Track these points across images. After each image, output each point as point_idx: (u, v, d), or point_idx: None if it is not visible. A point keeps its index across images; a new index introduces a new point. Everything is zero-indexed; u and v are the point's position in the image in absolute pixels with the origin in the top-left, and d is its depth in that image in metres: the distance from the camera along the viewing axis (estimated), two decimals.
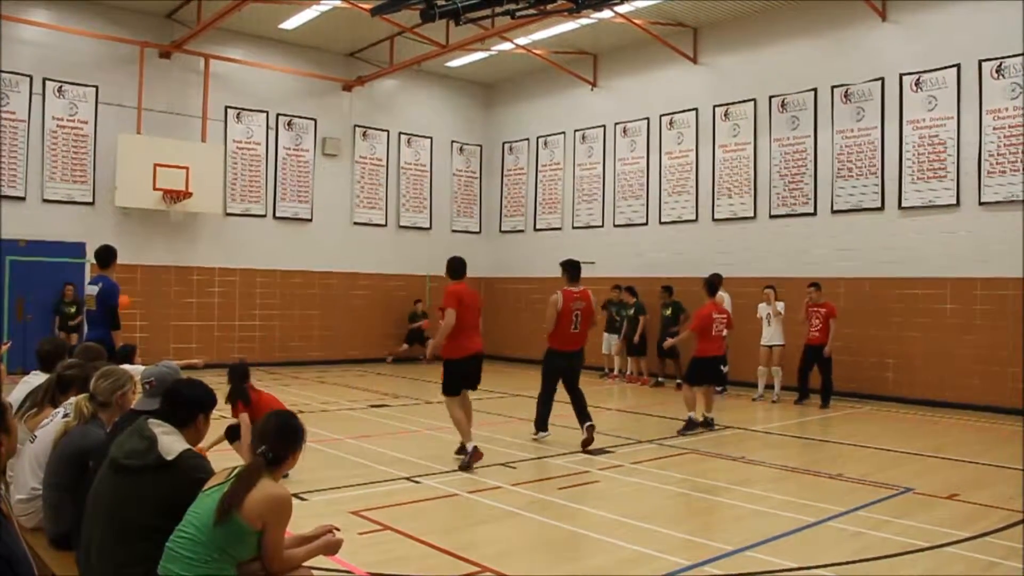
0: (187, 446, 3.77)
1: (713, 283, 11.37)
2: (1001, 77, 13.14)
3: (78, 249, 15.89)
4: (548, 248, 20.39)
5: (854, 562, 5.51)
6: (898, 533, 6.20)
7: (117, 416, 4.49)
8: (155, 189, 16.25)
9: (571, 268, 10.06)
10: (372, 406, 12.80)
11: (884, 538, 6.08)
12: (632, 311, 16.50)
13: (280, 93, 18.88)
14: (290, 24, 17.64)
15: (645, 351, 16.45)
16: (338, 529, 3.88)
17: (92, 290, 9.71)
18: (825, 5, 15.26)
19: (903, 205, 14.14)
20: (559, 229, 20.35)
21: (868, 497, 7.36)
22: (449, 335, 8.48)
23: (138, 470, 3.61)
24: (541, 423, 10.00)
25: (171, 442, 3.70)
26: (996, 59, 13.16)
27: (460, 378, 8.67)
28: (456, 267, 8.93)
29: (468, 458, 8.24)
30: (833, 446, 10.27)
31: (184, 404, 3.89)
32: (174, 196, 16.49)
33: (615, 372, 17.11)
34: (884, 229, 14.36)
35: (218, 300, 17.79)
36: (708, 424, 10.98)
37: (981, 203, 13.23)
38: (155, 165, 16.20)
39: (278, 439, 3.62)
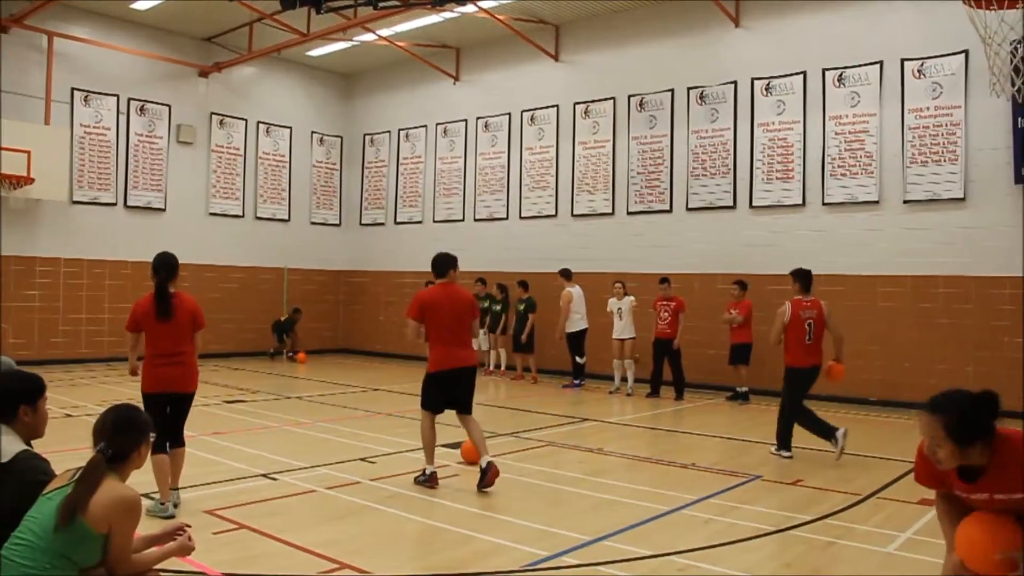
0: (24, 447, 3.54)
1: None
2: (842, 85, 13.85)
3: None
4: (409, 241, 20.27)
5: (706, 548, 5.66)
6: (747, 518, 6.43)
7: None
8: None
9: (803, 277, 9.28)
10: (227, 402, 12.37)
11: (733, 523, 6.28)
12: (523, 307, 16.05)
13: (132, 76, 17.96)
14: (142, 4, 16.81)
15: (533, 348, 16.00)
16: (189, 527, 3.71)
17: None
18: (682, 9, 15.71)
19: (753, 204, 14.71)
20: (420, 223, 20.21)
21: (719, 485, 7.60)
22: (429, 344, 7.47)
23: None
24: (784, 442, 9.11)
25: (7, 443, 3.47)
26: (838, 68, 13.88)
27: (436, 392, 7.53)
28: (435, 263, 7.69)
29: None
30: (685, 436, 10.57)
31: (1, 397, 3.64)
32: (14, 181, 15.44)
33: (490, 367, 16.97)
34: (736, 226, 14.90)
35: (63, 292, 16.80)
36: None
37: (824, 204, 13.92)
38: None
39: (116, 433, 3.42)
